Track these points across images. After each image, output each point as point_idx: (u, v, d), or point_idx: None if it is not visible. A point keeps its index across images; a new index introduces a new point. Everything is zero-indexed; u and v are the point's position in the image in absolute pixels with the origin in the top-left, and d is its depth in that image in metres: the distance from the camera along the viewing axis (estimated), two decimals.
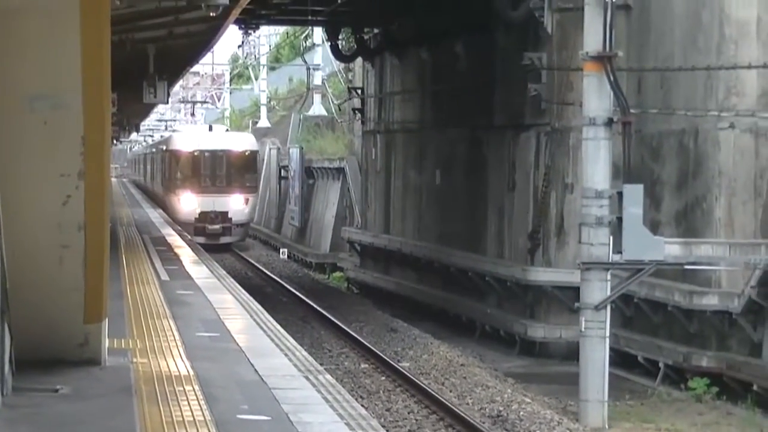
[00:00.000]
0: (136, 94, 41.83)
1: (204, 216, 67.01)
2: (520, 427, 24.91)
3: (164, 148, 75.92)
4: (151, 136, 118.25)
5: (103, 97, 15.38)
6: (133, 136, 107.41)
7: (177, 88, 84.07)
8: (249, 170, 71.10)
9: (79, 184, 15.02)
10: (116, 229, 40.99)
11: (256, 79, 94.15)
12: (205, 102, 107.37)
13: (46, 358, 14.98)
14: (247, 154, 71.10)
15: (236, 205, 68.47)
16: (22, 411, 13.28)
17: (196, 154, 69.30)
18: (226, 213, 67.88)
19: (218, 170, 69.01)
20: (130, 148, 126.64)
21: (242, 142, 72.32)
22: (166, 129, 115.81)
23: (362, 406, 15.30)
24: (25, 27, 14.32)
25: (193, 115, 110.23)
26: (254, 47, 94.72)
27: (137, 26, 31.60)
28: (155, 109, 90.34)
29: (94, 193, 15.25)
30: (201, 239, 59.43)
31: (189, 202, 67.58)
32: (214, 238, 66.08)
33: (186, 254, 34.82)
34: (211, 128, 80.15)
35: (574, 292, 28.87)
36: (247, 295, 25.72)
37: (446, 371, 30.66)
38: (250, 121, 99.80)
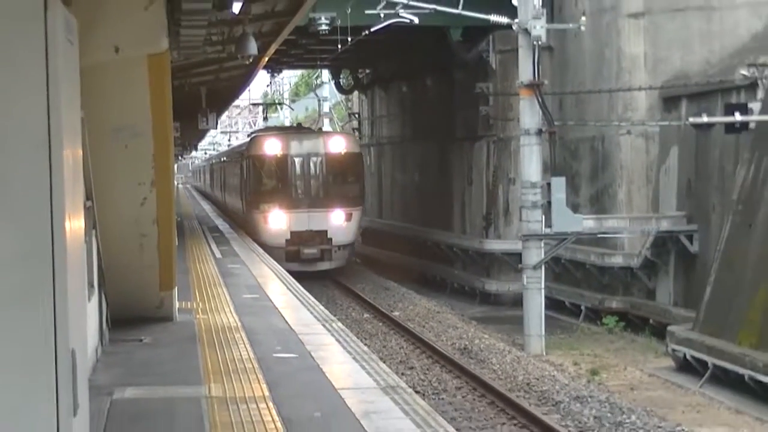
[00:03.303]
0: (193, 123, 41.67)
1: (297, 237, 38.20)
2: (481, 356, 24.88)
3: (243, 153, 43.44)
4: (205, 152, 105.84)
5: (167, 126, 15.42)
6: (193, 153, 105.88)
7: (223, 117, 75.23)
8: (352, 178, 40.15)
9: (152, 190, 15.07)
10: (182, 222, 40.93)
11: (281, 108, 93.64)
12: (237, 132, 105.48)
13: (132, 317, 15.06)
14: (348, 157, 40.03)
15: (337, 222, 38.66)
16: (117, 356, 13.39)
17: (285, 159, 39.34)
18: (325, 233, 38.41)
19: (314, 179, 39.16)
20: (192, 162, 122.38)
21: (342, 143, 40.61)
22: (213, 149, 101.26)
23: (365, 344, 15.34)
24: (109, 77, 14.32)
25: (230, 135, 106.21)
26: (279, 85, 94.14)
27: (192, 73, 31.55)
28: (208, 133, 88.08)
29: (163, 196, 15.29)
30: (294, 266, 35.13)
31: (278, 221, 38.58)
32: (310, 264, 37.98)
33: (234, 239, 34.79)
34: (300, 126, 52.07)
35: (518, 256, 28.96)
36: (280, 267, 25.79)
37: (426, 317, 30.62)
38: None
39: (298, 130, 50.24)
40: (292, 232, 37.93)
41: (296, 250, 37.59)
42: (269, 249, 33.39)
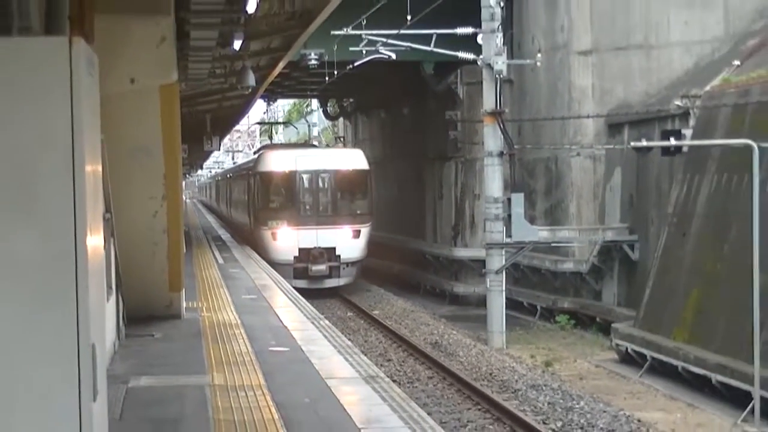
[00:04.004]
0: (199, 145, 41.71)
1: (305, 254, 33.82)
2: (450, 349, 24.88)
3: (251, 170, 39.07)
4: (210, 171, 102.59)
5: (176, 147, 15.44)
6: (199, 171, 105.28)
7: (225, 140, 74.52)
8: (360, 195, 35.85)
9: (162, 203, 15.09)
10: (189, 232, 40.80)
11: (276, 133, 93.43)
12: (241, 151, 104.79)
13: (145, 315, 15.03)
14: (357, 174, 35.70)
15: (345, 239, 34.36)
16: (131, 349, 13.36)
17: (292, 176, 34.96)
18: (333, 249, 34.13)
19: (322, 196, 34.95)
20: (198, 180, 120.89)
21: (350, 160, 36.37)
22: (218, 167, 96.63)
23: (349, 339, 15.32)
24: (126, 104, 14.33)
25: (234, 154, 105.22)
26: (274, 112, 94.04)
27: (198, 101, 31.56)
28: (212, 154, 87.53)
29: (173, 209, 15.30)
30: (302, 283, 32.04)
31: (286, 238, 34.11)
32: (317, 281, 33.88)
33: (235, 247, 34.69)
34: (307, 143, 49.01)
35: (482, 263, 29.00)
36: (274, 272, 25.76)
37: (402, 316, 30.61)
38: None
39: (305, 146, 47.45)
40: (300, 249, 33.58)
41: (304, 267, 33.44)
42: (277, 266, 29.76)
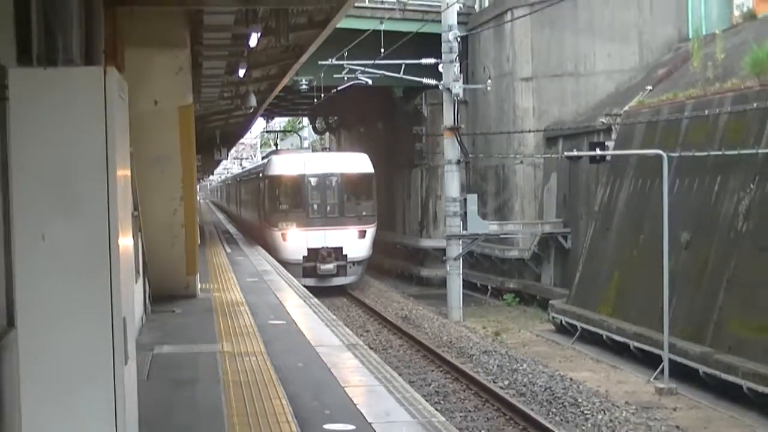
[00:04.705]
0: (211, 154, 41.62)
1: (314, 254, 30.13)
2: (417, 322, 24.88)
3: (261, 174, 34.72)
4: (219, 176, 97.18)
5: (191, 157, 15.40)
6: (210, 177, 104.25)
7: (232, 150, 69.18)
8: (365, 197, 31.96)
9: (180, 203, 15.04)
10: (203, 227, 40.67)
11: (279, 142, 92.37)
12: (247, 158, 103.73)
13: (167, 295, 14.97)
14: (362, 177, 31.95)
15: (352, 239, 30.61)
16: (156, 322, 13.32)
17: (301, 179, 31.07)
18: (341, 249, 30.44)
19: (329, 198, 31.21)
20: (209, 184, 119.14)
21: (356, 164, 32.43)
22: (227, 173, 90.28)
23: (334, 314, 15.33)
24: (150, 122, 14.30)
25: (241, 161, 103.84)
26: (272, 127, 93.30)
27: (209, 119, 31.49)
28: (221, 163, 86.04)
29: (189, 208, 15.25)
30: (311, 281, 28.59)
31: (295, 239, 30.35)
32: (326, 279, 30.24)
33: (240, 239, 34.56)
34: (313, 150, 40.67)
35: (443, 251, 28.97)
36: (272, 259, 25.68)
37: (377, 295, 30.57)
38: None
39: (312, 151, 42.31)
40: (309, 249, 29.93)
41: (313, 267, 29.88)
42: (287, 265, 26.12)
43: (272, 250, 29.46)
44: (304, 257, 29.85)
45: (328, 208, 30.75)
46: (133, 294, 6.05)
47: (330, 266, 29.93)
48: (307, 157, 32.87)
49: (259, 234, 33.28)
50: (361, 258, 30.73)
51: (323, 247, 29.89)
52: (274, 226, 30.62)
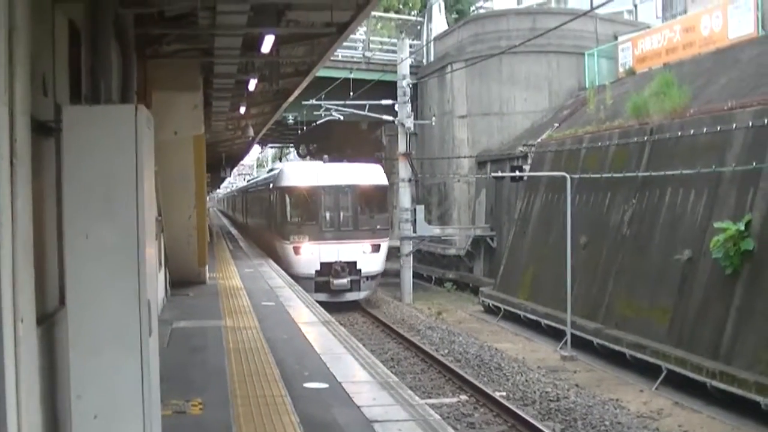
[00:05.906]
0: (218, 173, 41.34)
1: (327, 268, 22.51)
2: (377, 304, 24.69)
3: (272, 185, 25.80)
4: (225, 189, 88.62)
5: (202, 175, 15.32)
6: (217, 190, 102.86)
7: (234, 169, 71.29)
8: (379, 209, 24.05)
9: (194, 211, 14.96)
10: (212, 230, 40.38)
11: (270, 163, 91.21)
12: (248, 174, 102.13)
13: (183, 282, 14.89)
14: (376, 189, 23.99)
15: (366, 253, 23.06)
16: (174, 303, 13.24)
17: (315, 191, 23.22)
18: (354, 263, 22.83)
19: (343, 211, 23.24)
20: (216, 195, 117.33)
21: (370, 175, 24.19)
22: (232, 186, 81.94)
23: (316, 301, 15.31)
24: (171, 148, 14.23)
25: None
26: (265, 153, 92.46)
27: (217, 145, 31.31)
28: (226, 179, 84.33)
29: (200, 215, 15.18)
30: (323, 296, 21.77)
31: (308, 253, 22.60)
32: (339, 295, 22.71)
33: (241, 239, 34.35)
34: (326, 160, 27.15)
35: (398, 249, 28.80)
36: (264, 253, 25.51)
37: None
38: None
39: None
40: (322, 263, 22.74)
41: (326, 281, 22.70)
42: (298, 279, 19.93)
43: (283, 263, 22.52)
44: (316, 272, 22.78)
45: (342, 221, 23.38)
46: (156, 281, 6.06)
47: (344, 281, 22.84)
48: (320, 168, 24.76)
49: (270, 246, 25.55)
50: (375, 272, 23.72)
51: (337, 261, 22.80)
52: (286, 239, 23.20)
